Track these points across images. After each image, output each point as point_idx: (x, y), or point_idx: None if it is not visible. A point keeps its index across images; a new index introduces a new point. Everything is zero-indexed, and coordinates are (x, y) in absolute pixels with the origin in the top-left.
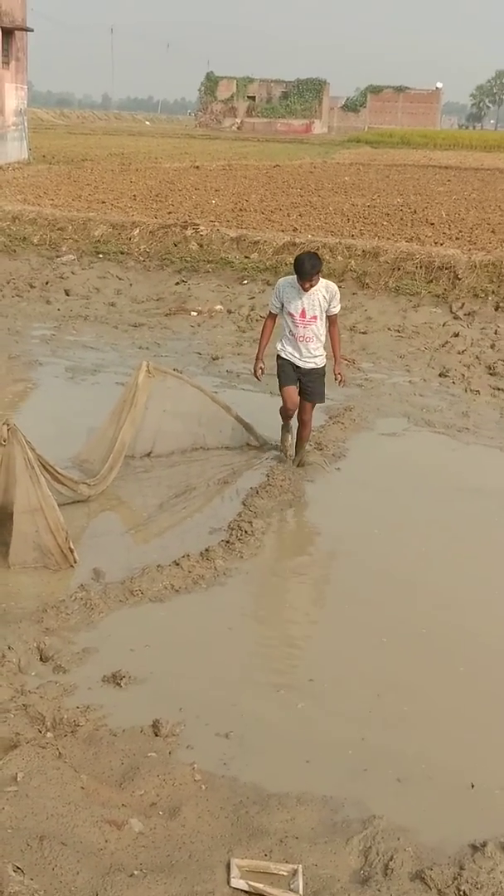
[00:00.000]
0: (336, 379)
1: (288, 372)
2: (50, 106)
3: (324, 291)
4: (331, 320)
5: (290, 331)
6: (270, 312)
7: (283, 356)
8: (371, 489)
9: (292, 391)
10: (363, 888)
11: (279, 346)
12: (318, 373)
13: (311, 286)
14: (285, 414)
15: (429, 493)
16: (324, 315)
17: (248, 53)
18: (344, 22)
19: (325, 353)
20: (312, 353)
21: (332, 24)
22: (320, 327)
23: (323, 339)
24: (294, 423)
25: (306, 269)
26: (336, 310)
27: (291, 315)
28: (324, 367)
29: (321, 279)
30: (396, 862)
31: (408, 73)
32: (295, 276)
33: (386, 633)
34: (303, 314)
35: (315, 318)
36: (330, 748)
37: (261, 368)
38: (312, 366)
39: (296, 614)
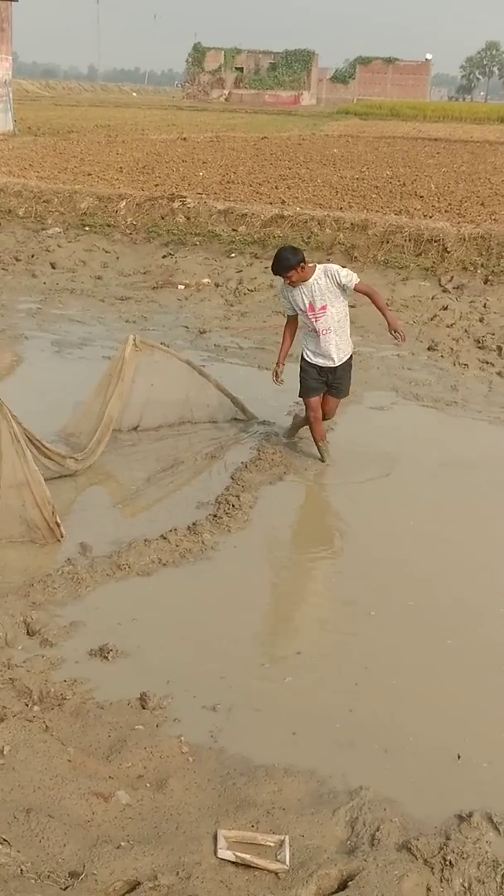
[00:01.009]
0: (395, 337)
1: (313, 377)
2: (35, 77)
3: (323, 278)
4: (361, 291)
5: (310, 328)
6: (288, 316)
7: (310, 362)
8: (359, 463)
9: (318, 402)
10: (350, 858)
11: (304, 352)
12: (347, 366)
13: (299, 280)
14: (314, 422)
15: (417, 467)
16: (338, 300)
17: (236, 24)
18: None
19: (351, 343)
20: (339, 348)
21: None
22: (335, 315)
23: (346, 327)
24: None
25: (276, 268)
26: (350, 282)
27: (303, 311)
28: (351, 358)
29: (317, 266)
30: (383, 832)
31: (397, 45)
32: None
33: (373, 606)
34: (311, 307)
35: (325, 307)
36: (317, 720)
37: (278, 373)
38: (344, 360)
39: (283, 588)
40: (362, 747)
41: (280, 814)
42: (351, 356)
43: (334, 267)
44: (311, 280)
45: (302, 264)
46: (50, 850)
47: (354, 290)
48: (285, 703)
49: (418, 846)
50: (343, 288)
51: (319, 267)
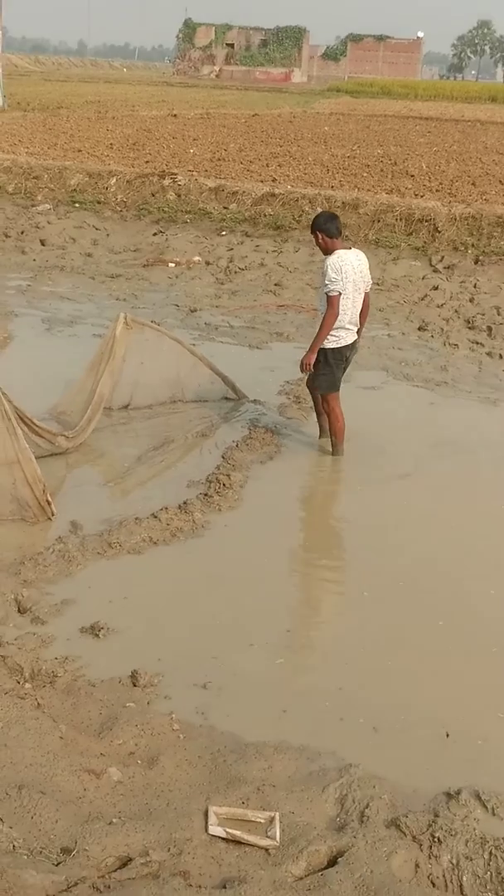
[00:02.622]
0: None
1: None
2: (25, 52)
3: (324, 265)
4: (327, 302)
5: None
6: None
7: (336, 348)
8: (350, 443)
9: None
10: (339, 835)
11: (329, 339)
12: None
13: (320, 246)
14: (341, 419)
15: (408, 447)
16: (321, 291)
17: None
18: None
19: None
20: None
21: None
22: (320, 302)
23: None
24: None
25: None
26: (324, 288)
27: None
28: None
29: (338, 252)
30: (372, 809)
31: (389, 22)
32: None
33: (366, 586)
34: None
35: (319, 290)
36: (307, 698)
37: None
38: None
39: (274, 567)
40: (352, 725)
41: (270, 791)
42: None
43: (329, 264)
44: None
45: (318, 233)
46: (42, 827)
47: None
48: (276, 681)
49: (407, 823)
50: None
51: (337, 253)
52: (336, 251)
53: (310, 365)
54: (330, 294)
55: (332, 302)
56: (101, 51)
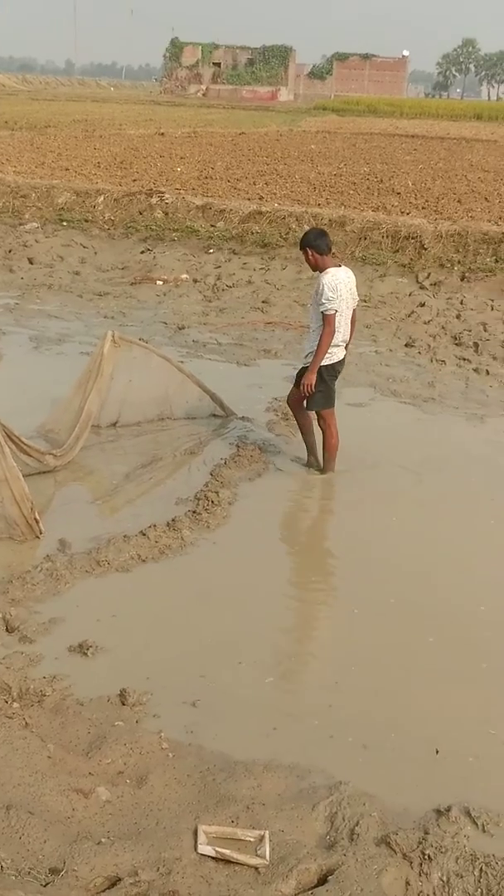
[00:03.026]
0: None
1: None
2: (12, 71)
3: (316, 282)
4: (323, 321)
5: None
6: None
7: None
8: (339, 460)
9: None
10: (329, 853)
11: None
12: (303, 367)
13: (309, 264)
14: (335, 436)
15: (397, 463)
16: (315, 310)
17: (214, 19)
18: None
19: (309, 352)
20: (304, 349)
21: None
22: (312, 319)
23: (314, 335)
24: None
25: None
26: (321, 307)
27: None
28: (305, 364)
29: (330, 270)
30: (362, 827)
31: (374, 41)
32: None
33: (356, 603)
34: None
35: (310, 304)
36: (297, 716)
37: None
38: (303, 362)
39: (263, 585)
40: (342, 743)
41: (260, 809)
42: (306, 365)
43: (325, 282)
44: (318, 275)
45: (308, 250)
46: (30, 847)
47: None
48: (265, 699)
49: (397, 840)
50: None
51: (330, 271)
52: (328, 269)
53: (312, 385)
54: (327, 313)
55: (329, 320)
56: (89, 70)
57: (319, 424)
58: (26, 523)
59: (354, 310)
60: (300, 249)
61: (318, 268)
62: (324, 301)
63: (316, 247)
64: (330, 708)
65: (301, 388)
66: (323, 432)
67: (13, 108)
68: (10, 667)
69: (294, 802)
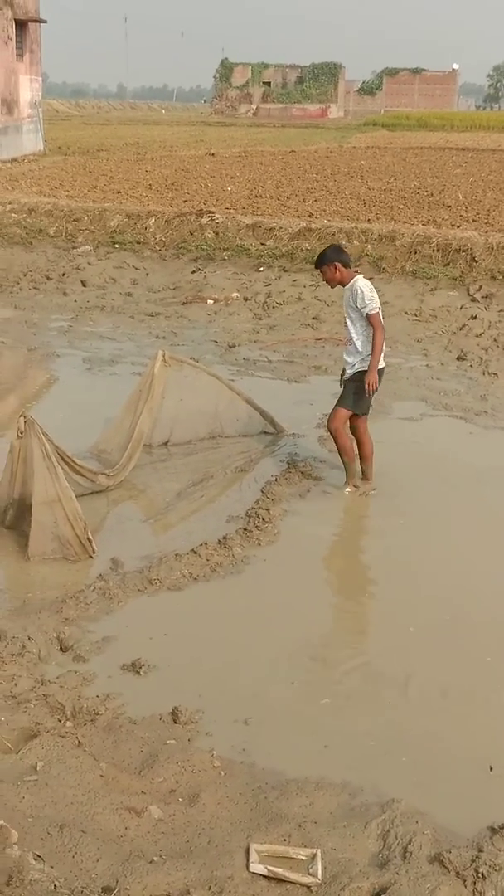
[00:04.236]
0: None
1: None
2: (65, 97)
3: (348, 292)
4: (370, 322)
5: None
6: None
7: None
8: (390, 475)
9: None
10: (382, 871)
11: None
12: (350, 379)
13: (331, 280)
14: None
15: (448, 478)
16: (358, 318)
17: (263, 39)
18: (360, 4)
19: (360, 359)
20: (346, 360)
21: (347, 6)
22: (352, 330)
23: (358, 344)
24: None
25: (315, 262)
26: (366, 308)
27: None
28: (354, 374)
29: (357, 277)
30: (415, 845)
31: (424, 55)
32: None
33: (411, 621)
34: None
35: (346, 318)
36: (349, 734)
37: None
38: (349, 374)
39: (315, 602)
40: (394, 760)
41: (312, 827)
42: (353, 374)
43: (360, 286)
44: (346, 287)
45: (336, 264)
46: (83, 866)
47: (367, 317)
48: (317, 716)
49: (450, 858)
50: (358, 307)
51: (357, 279)
52: (356, 276)
53: (377, 383)
54: (372, 312)
55: (377, 319)
56: (140, 93)
57: (354, 433)
58: (79, 543)
59: None
60: (319, 268)
61: (344, 281)
62: (367, 302)
63: (343, 261)
64: (383, 726)
65: (367, 389)
66: (359, 440)
67: (66, 133)
68: (63, 686)
69: (346, 820)
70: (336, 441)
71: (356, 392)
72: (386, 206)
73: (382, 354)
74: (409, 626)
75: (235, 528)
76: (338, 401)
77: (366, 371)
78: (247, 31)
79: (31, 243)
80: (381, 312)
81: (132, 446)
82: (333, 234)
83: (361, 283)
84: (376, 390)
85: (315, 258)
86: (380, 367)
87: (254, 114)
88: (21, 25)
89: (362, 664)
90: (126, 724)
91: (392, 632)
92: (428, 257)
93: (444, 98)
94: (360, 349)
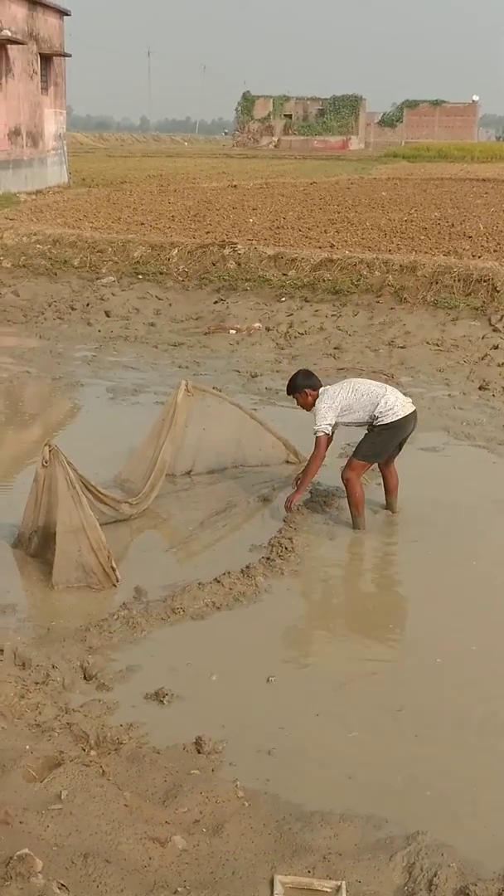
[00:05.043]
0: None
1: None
2: (89, 130)
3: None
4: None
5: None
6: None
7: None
8: (413, 505)
9: None
10: None
11: (385, 417)
12: (369, 430)
13: (301, 406)
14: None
15: (471, 509)
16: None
17: (285, 72)
18: (380, 37)
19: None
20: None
21: (367, 39)
22: (350, 423)
23: (361, 421)
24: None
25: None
26: (314, 427)
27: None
28: (370, 428)
29: (319, 398)
30: (440, 878)
31: (444, 87)
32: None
33: (437, 652)
34: None
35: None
36: (373, 766)
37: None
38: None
39: (338, 632)
40: (420, 792)
41: (336, 859)
42: (373, 426)
43: (318, 407)
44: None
45: (305, 391)
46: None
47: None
48: (341, 748)
49: (476, 892)
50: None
51: (320, 399)
52: (320, 396)
53: (293, 505)
54: (317, 434)
55: (318, 442)
56: (163, 125)
57: (380, 466)
58: (103, 571)
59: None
60: (291, 395)
61: (300, 403)
62: (317, 423)
63: (311, 385)
64: (408, 758)
65: (286, 505)
66: (384, 473)
67: (90, 165)
68: (87, 714)
69: (371, 852)
70: (347, 491)
71: (371, 442)
72: (407, 237)
73: (394, 410)
74: (437, 658)
75: (258, 557)
76: (354, 451)
77: (377, 428)
78: (268, 64)
79: (56, 274)
80: (329, 436)
81: (155, 475)
82: (355, 265)
83: (322, 403)
84: (290, 510)
85: (286, 386)
86: (392, 421)
87: (275, 146)
88: (46, 59)
89: (387, 696)
90: (150, 753)
91: (418, 663)
92: (449, 287)
93: (464, 129)
94: (363, 421)
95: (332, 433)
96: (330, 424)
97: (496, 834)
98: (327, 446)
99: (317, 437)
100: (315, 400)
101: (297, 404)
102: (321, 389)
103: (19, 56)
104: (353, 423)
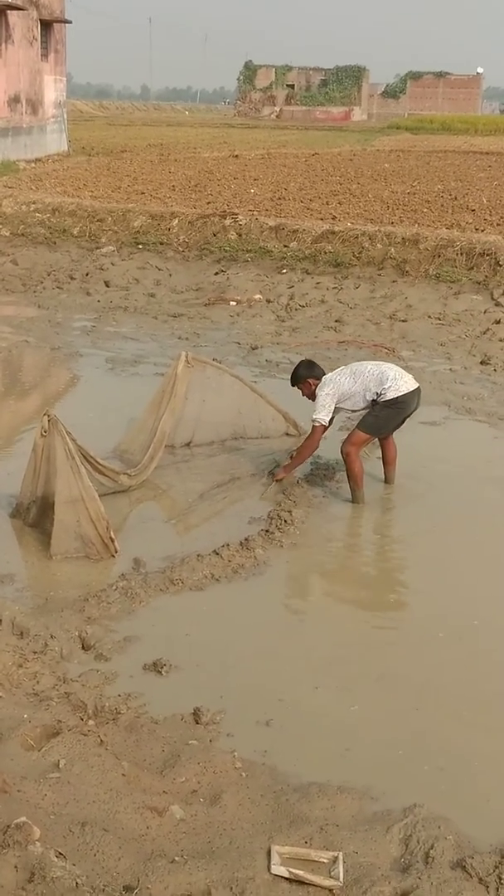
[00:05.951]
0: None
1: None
2: (89, 97)
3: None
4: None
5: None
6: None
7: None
8: (412, 478)
9: None
10: (404, 876)
11: (387, 394)
12: (373, 405)
13: (306, 396)
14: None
15: (472, 483)
16: (342, 406)
17: (287, 41)
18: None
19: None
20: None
21: (371, 9)
22: (351, 409)
23: (360, 406)
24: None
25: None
26: (313, 414)
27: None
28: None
29: (321, 385)
30: (437, 850)
31: (448, 59)
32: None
33: (440, 627)
34: None
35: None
36: (371, 738)
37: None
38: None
39: (337, 605)
40: (418, 765)
41: (333, 830)
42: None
43: (320, 394)
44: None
45: (308, 381)
46: (105, 864)
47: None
48: (339, 721)
49: (473, 864)
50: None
51: (322, 386)
52: (321, 384)
53: (283, 478)
54: (315, 423)
55: (314, 430)
56: (164, 94)
57: (380, 438)
58: (102, 542)
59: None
60: (295, 386)
61: (303, 393)
62: (316, 411)
63: (314, 375)
64: (406, 732)
65: (275, 477)
66: (383, 445)
67: (90, 133)
68: (85, 684)
69: (368, 824)
70: (346, 465)
71: (375, 416)
72: (409, 210)
73: (396, 385)
74: (439, 633)
75: (258, 529)
76: (357, 423)
77: (380, 404)
78: (270, 34)
79: (55, 243)
80: (326, 426)
81: (154, 447)
82: (357, 237)
83: (322, 391)
84: (279, 481)
85: (290, 376)
86: (394, 396)
87: (277, 116)
88: (46, 26)
89: (387, 669)
90: (148, 723)
91: (420, 637)
92: (451, 261)
93: (467, 102)
94: (363, 405)
95: (331, 421)
96: (328, 414)
97: (494, 808)
98: (322, 434)
99: (313, 426)
100: (317, 388)
101: (302, 394)
102: (324, 378)
103: (19, 22)
104: (353, 409)
